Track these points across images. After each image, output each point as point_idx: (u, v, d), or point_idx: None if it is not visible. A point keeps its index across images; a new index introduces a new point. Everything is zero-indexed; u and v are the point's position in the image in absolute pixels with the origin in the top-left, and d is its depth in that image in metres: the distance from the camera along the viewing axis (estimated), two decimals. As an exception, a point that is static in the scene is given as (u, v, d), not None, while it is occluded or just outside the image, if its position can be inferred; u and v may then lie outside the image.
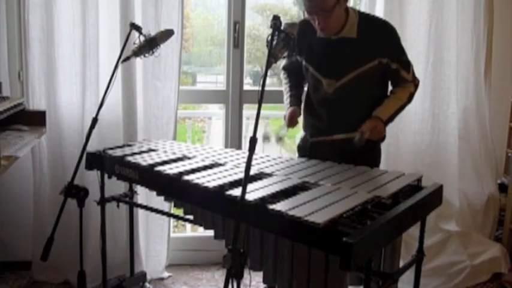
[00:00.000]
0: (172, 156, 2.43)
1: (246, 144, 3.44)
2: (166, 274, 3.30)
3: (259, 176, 2.07)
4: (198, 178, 2.04)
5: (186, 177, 2.06)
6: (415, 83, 2.38)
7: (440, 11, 3.19)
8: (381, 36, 2.27)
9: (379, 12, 3.14)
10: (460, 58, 3.23)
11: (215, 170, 2.18)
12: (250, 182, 1.94)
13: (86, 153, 2.49)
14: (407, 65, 2.33)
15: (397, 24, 2.50)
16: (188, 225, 3.76)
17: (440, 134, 3.31)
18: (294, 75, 2.55)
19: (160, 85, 3.07)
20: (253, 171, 2.09)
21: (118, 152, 2.52)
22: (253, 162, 2.25)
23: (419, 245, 2.04)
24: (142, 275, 3.11)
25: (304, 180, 1.99)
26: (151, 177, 2.26)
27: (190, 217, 2.18)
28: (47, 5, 2.88)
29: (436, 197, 2.01)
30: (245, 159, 1.80)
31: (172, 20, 3.00)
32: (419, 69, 3.19)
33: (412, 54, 2.49)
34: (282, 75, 2.61)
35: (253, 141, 1.66)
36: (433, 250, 3.19)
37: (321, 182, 1.95)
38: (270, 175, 2.09)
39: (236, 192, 1.83)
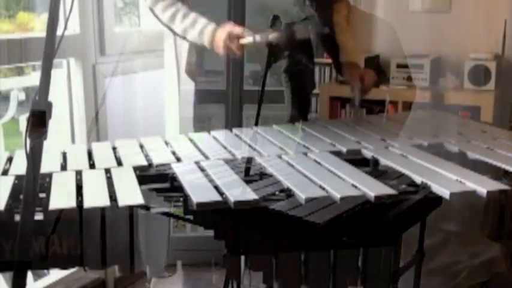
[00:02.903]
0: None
1: (246, 144, 3.43)
2: (166, 274, 3.29)
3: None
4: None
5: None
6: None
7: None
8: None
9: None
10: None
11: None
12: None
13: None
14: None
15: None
16: (188, 225, 3.75)
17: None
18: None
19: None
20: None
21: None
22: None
23: (419, 245, 2.04)
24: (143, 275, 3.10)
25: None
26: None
27: (190, 217, 2.18)
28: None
29: (436, 197, 2.00)
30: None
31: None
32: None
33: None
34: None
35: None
36: (433, 250, 3.19)
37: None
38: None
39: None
